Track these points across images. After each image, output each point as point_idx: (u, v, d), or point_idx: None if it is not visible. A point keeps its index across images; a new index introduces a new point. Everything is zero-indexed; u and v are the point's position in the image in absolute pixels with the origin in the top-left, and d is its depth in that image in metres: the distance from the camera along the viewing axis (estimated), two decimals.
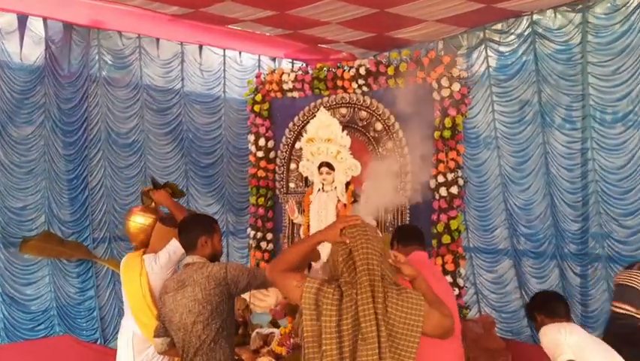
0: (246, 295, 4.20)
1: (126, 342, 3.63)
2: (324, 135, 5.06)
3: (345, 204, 5.10)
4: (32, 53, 6.28)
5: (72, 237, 6.42)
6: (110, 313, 6.59)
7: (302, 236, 5.53)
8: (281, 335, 4.51)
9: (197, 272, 2.86)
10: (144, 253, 3.68)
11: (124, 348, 3.66)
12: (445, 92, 4.92)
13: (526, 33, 6.17)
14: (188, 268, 2.95)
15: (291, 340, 4.29)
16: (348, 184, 5.15)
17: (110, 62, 6.84)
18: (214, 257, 3.02)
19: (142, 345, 3.60)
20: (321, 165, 5.13)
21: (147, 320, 3.54)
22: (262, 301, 5.25)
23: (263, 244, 6.03)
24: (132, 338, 3.60)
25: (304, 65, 6.46)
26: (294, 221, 5.62)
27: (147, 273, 3.56)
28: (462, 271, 4.93)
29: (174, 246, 3.49)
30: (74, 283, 6.44)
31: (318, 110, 5.43)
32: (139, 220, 3.79)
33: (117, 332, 6.31)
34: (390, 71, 5.22)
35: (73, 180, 6.48)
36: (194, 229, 3.03)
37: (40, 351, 5.81)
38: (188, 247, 3.02)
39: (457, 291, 4.82)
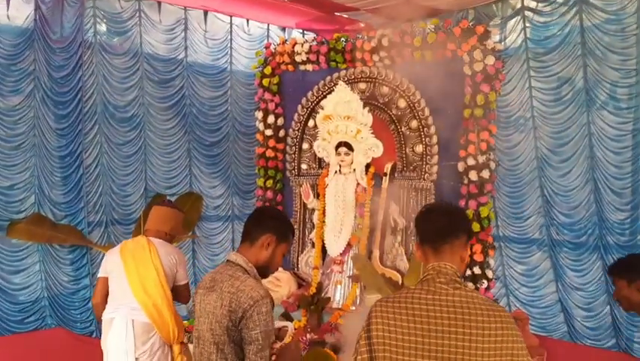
0: None
1: (127, 331, 3.73)
2: (342, 112, 5.17)
3: (365, 188, 5.22)
4: (20, 13, 6.25)
5: (65, 220, 6.45)
6: None
7: (315, 222, 5.66)
8: (295, 329, 4.63)
9: (230, 281, 2.61)
10: (146, 235, 3.98)
11: (121, 340, 3.74)
12: (478, 67, 4.99)
13: (570, 2, 6.19)
14: (225, 268, 2.73)
15: (307, 335, 4.41)
16: (368, 166, 5.27)
17: (106, 27, 6.87)
18: (264, 269, 2.78)
19: (145, 335, 3.75)
20: (339, 145, 5.26)
21: (161, 300, 3.77)
22: (273, 292, 5.43)
23: None
24: (132, 327, 3.72)
25: (316, 36, 6.49)
26: (309, 206, 5.77)
27: (156, 247, 3.86)
28: (491, 262, 5.04)
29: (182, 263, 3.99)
30: (67, 270, 6.49)
31: (334, 84, 5.55)
32: None
33: None
34: (417, 42, 5.29)
35: (66, 157, 6.47)
36: (267, 222, 2.80)
37: (30, 345, 5.96)
38: (247, 237, 2.78)
39: (485, 283, 4.96)
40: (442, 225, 2.25)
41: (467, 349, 1.97)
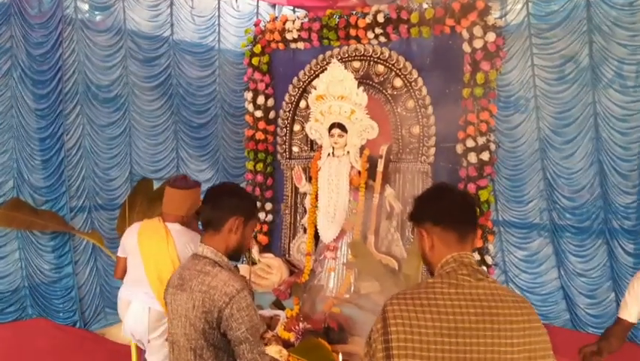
0: (245, 272, 4.38)
1: (143, 317, 3.91)
2: (336, 92, 5.18)
3: (359, 171, 5.24)
4: None
5: (46, 205, 6.44)
6: (91, 293, 6.70)
7: (307, 207, 5.68)
8: (287, 318, 4.67)
9: (200, 278, 2.45)
10: (163, 220, 4.02)
11: (137, 324, 3.94)
12: (478, 43, 4.98)
13: None
14: (192, 263, 2.56)
15: (300, 324, 4.44)
16: (362, 148, 5.28)
17: (87, 2, 6.82)
18: (235, 253, 2.61)
19: (157, 322, 3.91)
20: (332, 127, 5.28)
21: None
22: (264, 279, 5.48)
23: (261, 215, 6.20)
24: (148, 313, 3.88)
25: (308, 13, 6.48)
26: (301, 190, 5.79)
27: (174, 238, 3.90)
28: (490, 247, 5.08)
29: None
30: (49, 258, 6.50)
31: (327, 63, 5.55)
32: None
33: (99, 314, 6.56)
34: (414, 18, 5.27)
35: (47, 140, 6.46)
36: (228, 204, 2.58)
37: (10, 336, 5.96)
38: (209, 225, 2.58)
39: (484, 269, 4.99)
40: (466, 208, 2.10)
41: (497, 346, 1.85)
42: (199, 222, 2.75)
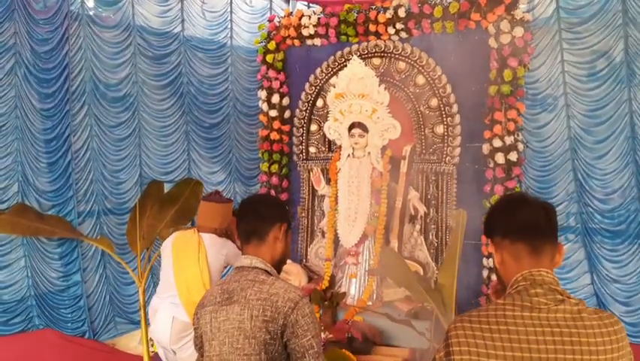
0: None
1: (166, 326, 4.11)
2: (356, 90, 5.27)
3: (381, 173, 5.32)
4: None
5: (52, 210, 6.50)
6: (100, 302, 6.76)
7: (325, 210, 5.75)
8: None
9: (256, 287, 2.40)
10: (198, 230, 4.30)
11: (161, 334, 4.15)
12: (505, 39, 5.06)
13: None
14: (239, 275, 2.50)
15: (322, 335, 4.49)
16: (384, 149, 5.36)
17: None
18: (279, 263, 2.61)
19: (181, 333, 4.09)
20: (352, 126, 5.36)
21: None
22: None
23: None
24: (172, 323, 4.08)
25: (324, 8, 6.54)
26: (320, 192, 5.88)
27: (206, 249, 4.16)
28: None
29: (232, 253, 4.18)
30: (56, 266, 6.55)
31: (346, 60, 5.64)
32: None
33: (109, 324, 6.65)
34: (437, 12, 5.36)
35: (53, 141, 6.52)
36: (269, 211, 2.61)
37: (16, 348, 6.00)
38: (253, 235, 2.56)
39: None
40: (541, 219, 1.93)
41: None
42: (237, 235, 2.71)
